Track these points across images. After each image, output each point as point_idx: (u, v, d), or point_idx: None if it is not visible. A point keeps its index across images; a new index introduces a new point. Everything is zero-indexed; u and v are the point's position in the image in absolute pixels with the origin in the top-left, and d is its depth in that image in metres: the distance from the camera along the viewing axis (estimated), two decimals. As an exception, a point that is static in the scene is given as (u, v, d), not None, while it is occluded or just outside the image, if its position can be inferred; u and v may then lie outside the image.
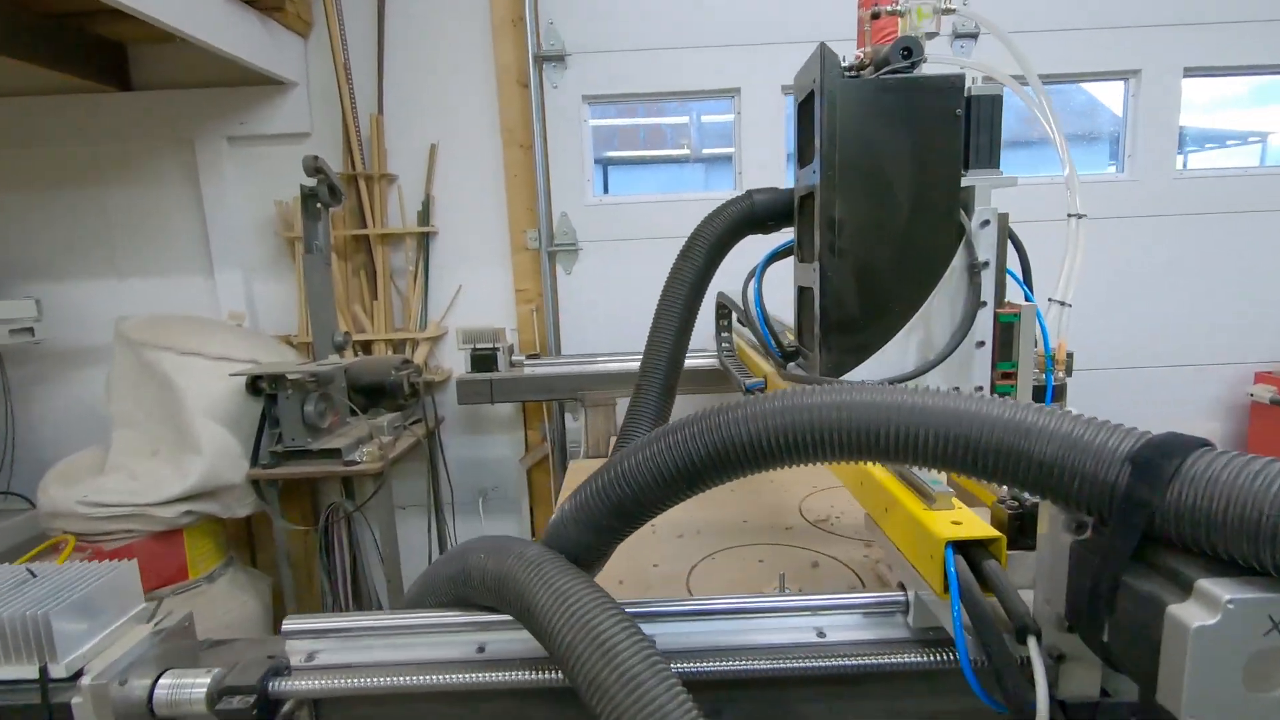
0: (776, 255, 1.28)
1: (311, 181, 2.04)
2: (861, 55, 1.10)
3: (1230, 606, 0.41)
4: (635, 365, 2.24)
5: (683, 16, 2.32)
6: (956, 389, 1.12)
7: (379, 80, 2.37)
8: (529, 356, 2.37)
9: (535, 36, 2.30)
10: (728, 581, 1.28)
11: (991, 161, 1.11)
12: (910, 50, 1.04)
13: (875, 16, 1.10)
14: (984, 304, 1.09)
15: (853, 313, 1.08)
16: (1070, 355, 1.50)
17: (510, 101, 2.39)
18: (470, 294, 2.53)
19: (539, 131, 2.36)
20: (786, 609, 0.76)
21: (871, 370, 1.08)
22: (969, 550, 0.64)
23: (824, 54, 1.03)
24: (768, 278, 1.30)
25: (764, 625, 0.75)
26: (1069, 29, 2.26)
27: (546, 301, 2.48)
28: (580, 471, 2.10)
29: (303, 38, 2.35)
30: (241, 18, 2.02)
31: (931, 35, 1.08)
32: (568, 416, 2.59)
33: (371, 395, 2.21)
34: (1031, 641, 0.56)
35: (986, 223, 1.08)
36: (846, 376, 1.09)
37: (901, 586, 0.76)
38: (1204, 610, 0.42)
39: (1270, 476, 0.42)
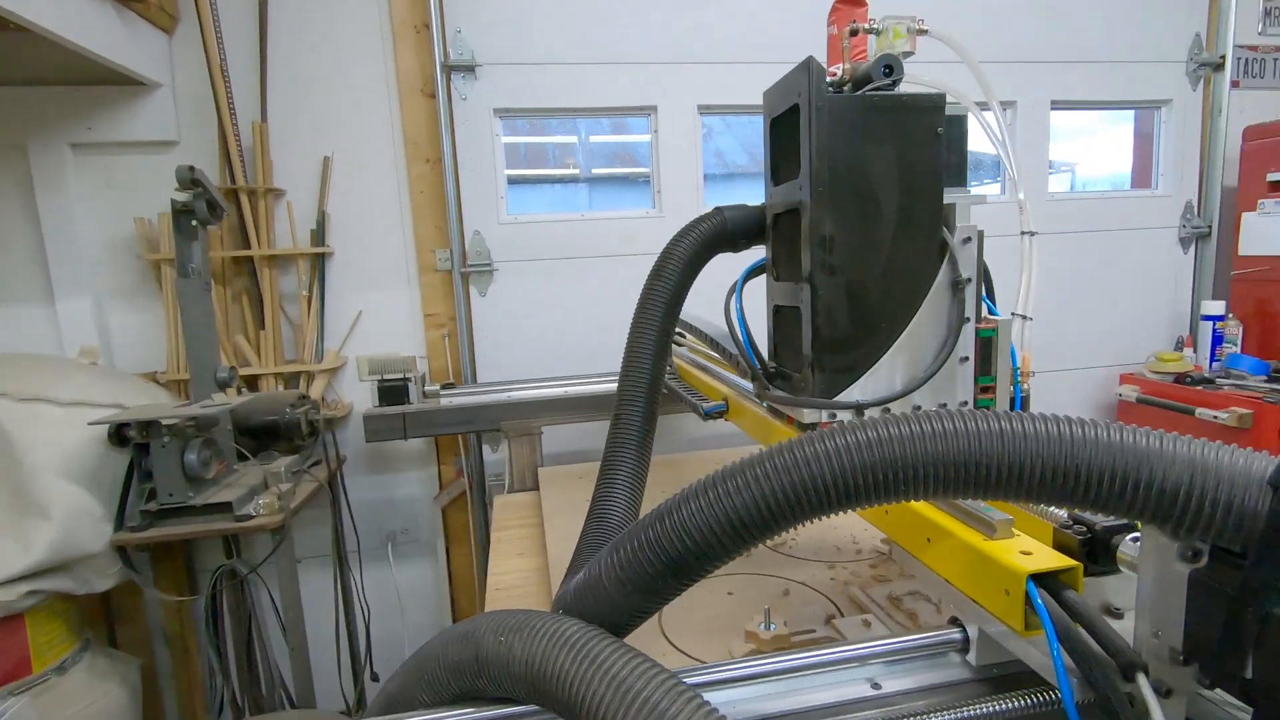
0: (755, 271, 1.24)
1: (186, 195, 1.77)
2: (839, 72, 1.09)
3: None
4: (561, 391, 2.17)
5: (599, 32, 2.26)
6: (944, 405, 1.14)
7: (262, 85, 2.12)
8: (444, 386, 2.19)
9: (442, 44, 2.16)
10: (705, 621, 1.21)
11: (960, 180, 1.13)
12: (892, 68, 1.04)
13: (854, 34, 1.10)
14: (967, 320, 1.10)
15: (845, 331, 1.06)
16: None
17: (415, 112, 2.22)
18: (372, 320, 2.31)
19: (449, 145, 2.21)
20: (833, 662, 0.69)
21: (864, 390, 1.07)
22: (1046, 582, 0.61)
23: (811, 68, 1.00)
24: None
25: (815, 683, 0.68)
26: (955, 61, 2.43)
27: (460, 326, 2.31)
28: (507, 507, 1.95)
29: (167, 33, 2.06)
30: (89, 4, 1.73)
31: (907, 55, 1.09)
32: (485, 449, 2.42)
33: (264, 437, 1.94)
34: (1141, 678, 0.53)
35: (968, 240, 1.10)
36: (840, 397, 1.07)
37: (955, 622, 0.71)
38: (1390, 643, 0.40)
39: None
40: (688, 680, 0.66)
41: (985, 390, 1.15)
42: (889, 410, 1.08)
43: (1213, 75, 2.66)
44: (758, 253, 1.25)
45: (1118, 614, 0.64)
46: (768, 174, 1.22)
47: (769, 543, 1.54)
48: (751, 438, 1.39)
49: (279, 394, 2.07)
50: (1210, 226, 2.71)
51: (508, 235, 2.32)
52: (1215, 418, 2.23)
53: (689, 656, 1.10)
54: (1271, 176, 2.49)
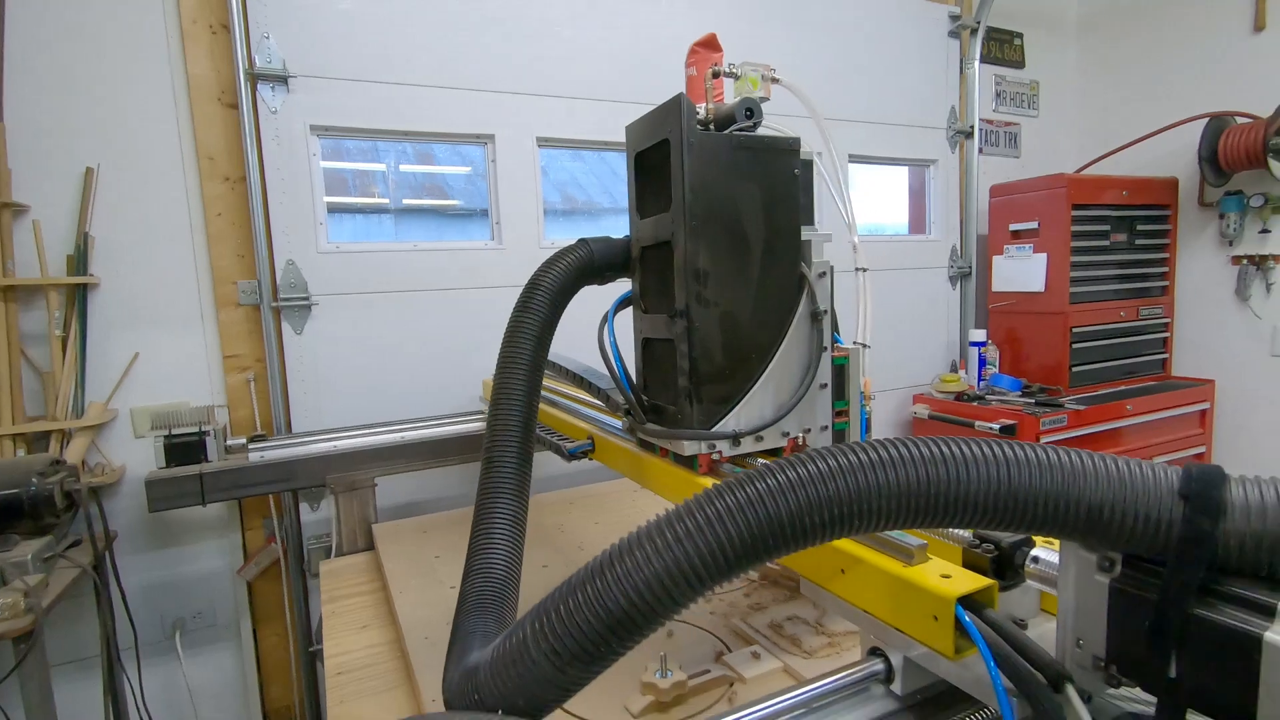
0: (624, 303, 1.21)
1: (-119, 208, 1.36)
2: (702, 112, 1.12)
3: (1321, 623, 0.45)
4: (397, 437, 1.97)
5: (433, 54, 2.14)
6: (808, 430, 1.18)
7: (-5, 76, 1.71)
8: (251, 439, 1.88)
9: (245, 49, 1.90)
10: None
11: (810, 220, 1.21)
12: (752, 111, 1.09)
13: (716, 75, 1.14)
14: (825, 348, 1.17)
15: (720, 362, 1.08)
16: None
17: (211, 124, 1.93)
18: (153, 364, 1.94)
19: (254, 162, 1.94)
20: (781, 712, 0.66)
21: (739, 419, 1.09)
22: (968, 602, 0.63)
23: (684, 105, 1.01)
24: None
25: None
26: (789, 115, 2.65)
27: (271, 368, 2.02)
28: (339, 573, 1.72)
29: None
30: None
31: (764, 100, 1.14)
32: (303, 507, 2.12)
33: (2, 517, 1.52)
34: (1069, 688, 0.56)
35: (823, 274, 1.17)
36: (717, 427, 1.07)
37: (875, 652, 0.72)
38: (1299, 631, 0.45)
39: (1314, 496, 0.47)
40: None
41: (840, 414, 1.23)
42: (761, 438, 1.11)
43: (965, 141, 3.18)
44: (622, 286, 1.23)
45: (1023, 624, 0.68)
46: (633, 207, 1.22)
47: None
48: (615, 472, 1.35)
49: (21, 460, 1.64)
50: (970, 267, 3.21)
51: (328, 265, 2.08)
52: (990, 428, 2.60)
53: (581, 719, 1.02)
54: (1012, 226, 3.01)
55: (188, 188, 1.93)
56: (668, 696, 1.02)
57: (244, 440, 1.86)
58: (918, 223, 3.27)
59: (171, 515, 1.97)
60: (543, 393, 1.88)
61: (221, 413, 2.00)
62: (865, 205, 3.14)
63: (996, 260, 3.09)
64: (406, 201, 2.38)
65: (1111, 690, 0.61)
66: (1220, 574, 0.50)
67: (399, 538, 1.81)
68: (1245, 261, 2.98)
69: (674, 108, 1.03)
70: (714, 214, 1.05)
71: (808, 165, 1.20)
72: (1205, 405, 3.06)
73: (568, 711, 1.03)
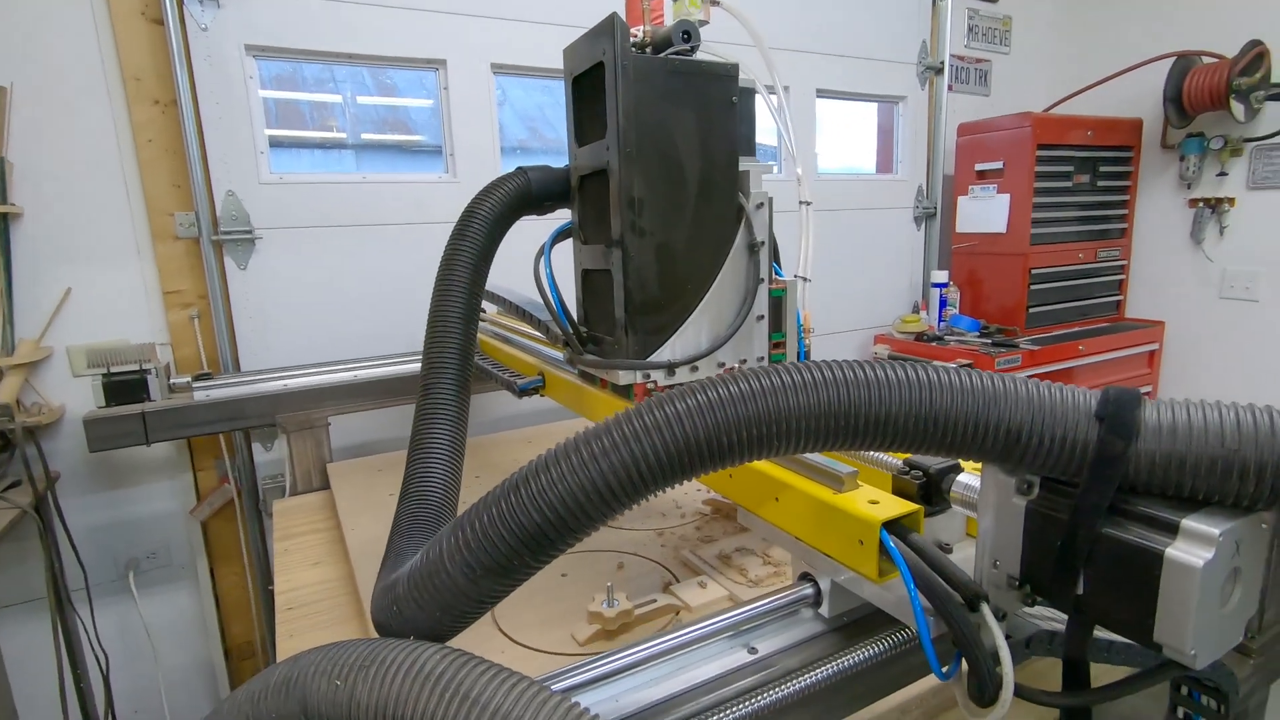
0: (562, 234, 1.18)
1: None
2: (639, 34, 1.07)
3: (1221, 539, 0.45)
4: (349, 376, 1.93)
5: (374, -32, 2.00)
6: (744, 361, 1.18)
7: (-114, -20, 1.56)
8: (196, 377, 1.83)
9: (167, -43, 1.75)
10: (542, 608, 1.14)
11: (750, 151, 1.18)
12: (689, 34, 1.04)
13: (654, -4, 1.08)
14: (761, 280, 1.16)
15: (655, 293, 1.06)
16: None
17: (135, 41, 1.79)
18: (87, 300, 1.85)
19: (185, 85, 1.81)
20: (711, 634, 0.67)
21: (674, 349, 1.09)
22: (894, 527, 0.64)
23: (617, 25, 0.96)
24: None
25: (700, 655, 0.65)
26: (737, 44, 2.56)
27: (215, 305, 1.94)
28: (292, 512, 1.70)
29: None
30: None
31: (703, 24, 1.09)
32: (256, 447, 2.08)
33: (-72, 458, 1.46)
34: (984, 607, 0.58)
35: (761, 205, 1.15)
36: (652, 357, 1.07)
37: (805, 577, 0.73)
38: (1200, 547, 0.46)
39: (1224, 415, 0.47)
40: (564, 683, 0.59)
41: (777, 346, 1.23)
42: (697, 368, 1.11)
43: (935, 78, 3.12)
44: (562, 218, 1.19)
45: (947, 549, 0.69)
46: (571, 134, 1.17)
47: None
48: (571, 411, 1.34)
49: (-52, 399, 1.57)
50: (935, 208, 3.20)
51: (272, 198, 1.99)
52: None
53: (530, 649, 1.03)
54: (978, 166, 2.99)
55: (114, 111, 1.81)
56: (614, 625, 1.04)
57: (189, 379, 1.81)
58: (885, 162, 3.23)
59: (118, 456, 1.92)
60: (496, 330, 1.86)
61: (164, 351, 1.93)
62: (835, 146, 3.09)
63: (961, 201, 3.08)
64: (366, 136, 2.27)
65: (1027, 609, 0.63)
66: (1131, 494, 0.51)
67: (354, 476, 1.79)
68: (1201, 204, 3.01)
69: (607, 29, 0.98)
70: (649, 141, 1.01)
71: (747, 94, 1.16)
72: (1154, 346, 3.15)
73: (514, 640, 1.04)
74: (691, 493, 1.58)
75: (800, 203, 1.47)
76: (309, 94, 2.15)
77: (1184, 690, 0.98)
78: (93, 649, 1.86)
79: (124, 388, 1.72)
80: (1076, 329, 3.07)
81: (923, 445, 0.54)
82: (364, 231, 2.12)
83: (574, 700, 0.45)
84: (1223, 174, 2.95)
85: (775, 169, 2.79)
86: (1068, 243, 3.00)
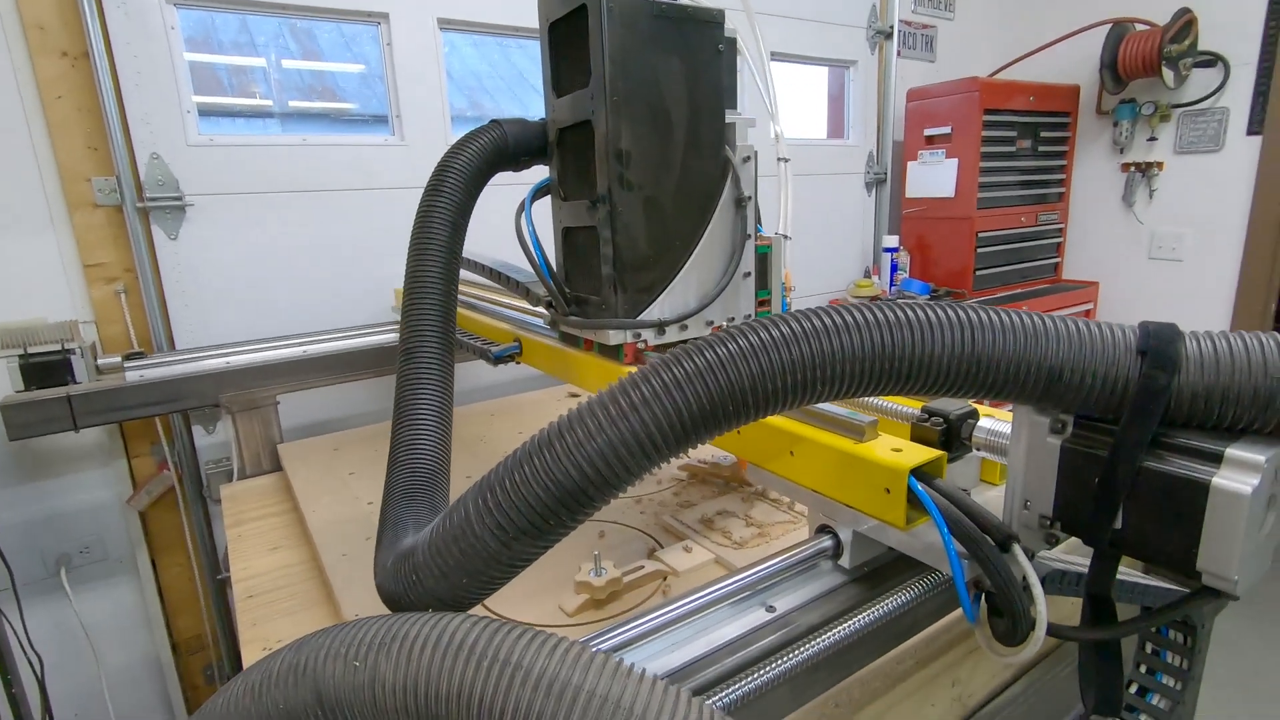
0: (542, 190, 1.12)
1: None
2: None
3: (1266, 465, 0.45)
4: (299, 351, 1.82)
5: (306, -91, 1.85)
6: (732, 319, 1.16)
7: None
8: (127, 356, 1.69)
9: (70, -110, 1.57)
10: (526, 580, 1.09)
11: (734, 103, 1.15)
12: None
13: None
14: (749, 237, 1.14)
15: (644, 250, 1.03)
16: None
17: (35, -16, 1.61)
18: (-6, 275, 1.68)
19: (98, 35, 1.64)
20: (731, 594, 0.65)
21: (663, 308, 1.06)
22: (918, 474, 0.62)
23: (602, -36, 0.90)
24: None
25: (718, 618, 0.63)
26: None
27: (144, 278, 1.79)
28: (242, 497, 1.60)
29: None
30: None
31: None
32: (197, 431, 1.95)
33: None
34: (1016, 548, 0.57)
35: (747, 159, 1.12)
36: (641, 316, 1.04)
37: (824, 530, 0.71)
38: (1246, 474, 0.46)
39: (1265, 344, 0.47)
40: (623, 634, 0.56)
41: (763, 303, 1.21)
42: (686, 327, 1.08)
43: (884, 43, 3.13)
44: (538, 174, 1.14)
45: (965, 493, 0.69)
46: (548, 85, 1.11)
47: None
48: (547, 377, 1.30)
49: None
50: (886, 173, 3.24)
51: (202, 161, 1.83)
52: (901, 331, 2.70)
53: (519, 623, 0.99)
54: (927, 131, 3.04)
55: (14, 63, 1.62)
56: (603, 594, 1.01)
57: (119, 359, 1.66)
58: (836, 127, 3.24)
59: (42, 444, 1.77)
60: (465, 298, 1.78)
61: (88, 329, 1.77)
62: (788, 112, 3.07)
63: (911, 166, 3.13)
64: (293, 104, 2.11)
65: (1042, 553, 0.63)
66: (1169, 427, 0.50)
67: (308, 456, 1.70)
68: (1133, 168, 3.15)
69: (592, -30, 0.91)
70: (635, 89, 0.97)
71: (731, 44, 1.13)
72: (1089, 305, 3.29)
73: (499, 615, 1.00)
74: (668, 459, 1.56)
75: (778, 159, 1.45)
76: (227, 57, 1.99)
77: (1153, 627, 1.03)
78: (24, 652, 1.72)
79: (44, 370, 1.57)
80: (1019, 290, 3.18)
81: (963, 388, 0.53)
82: (308, 198, 1.99)
83: (619, 657, 0.42)
84: (1153, 139, 3.08)
85: (756, 121, 2.76)
86: (1011, 206, 3.09)
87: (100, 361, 1.65)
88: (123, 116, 1.72)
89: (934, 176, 3.02)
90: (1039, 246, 3.29)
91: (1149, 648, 1.03)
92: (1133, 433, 0.50)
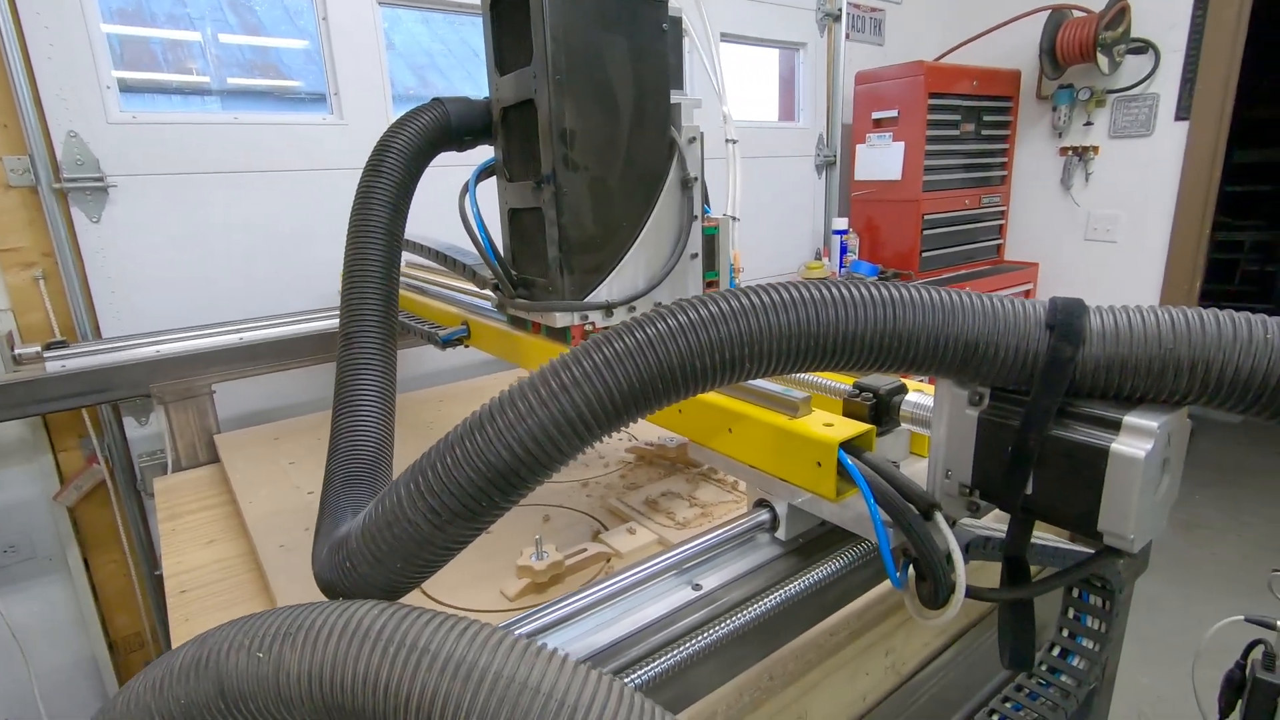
0: (486, 170, 1.10)
1: None
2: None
3: (1159, 431, 0.48)
4: (234, 338, 1.76)
5: (231, -127, 1.76)
6: (680, 300, 1.16)
7: None
8: (47, 346, 1.60)
9: None
10: (468, 567, 1.09)
11: (680, 84, 1.14)
12: None
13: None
14: (696, 217, 1.14)
15: (590, 231, 1.02)
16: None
17: (-70, -55, 1.49)
18: (-103, 260, 1.57)
19: (2, 6, 1.54)
20: (657, 573, 0.65)
21: (611, 289, 1.05)
22: (848, 447, 0.64)
23: (543, -61, 0.88)
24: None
25: (645, 597, 0.63)
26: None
27: (64, 264, 1.70)
28: (176, 490, 1.55)
29: None
30: None
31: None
32: (128, 422, 1.87)
33: None
34: (938, 515, 0.59)
35: (693, 140, 1.12)
36: (589, 298, 1.03)
37: (761, 504, 0.73)
38: (1141, 440, 0.48)
39: (1159, 318, 0.49)
40: (518, 632, 0.56)
41: (710, 284, 1.22)
42: (634, 308, 1.08)
43: (833, 25, 3.15)
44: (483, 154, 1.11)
45: (895, 465, 0.70)
46: (491, 63, 1.09)
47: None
48: (498, 361, 1.28)
49: None
50: (836, 155, 3.28)
51: (125, 139, 1.74)
52: (850, 312, 2.75)
53: (458, 609, 0.99)
54: (875, 115, 3.08)
55: (-91, 32, 1.51)
56: (544, 577, 1.01)
57: (38, 348, 1.58)
58: (787, 110, 3.26)
59: (-45, 440, 1.67)
60: (414, 281, 1.74)
61: (4, 318, 1.68)
62: (740, 94, 3.08)
63: (859, 149, 3.17)
64: (233, 81, 2.02)
65: (966, 520, 0.65)
66: (1076, 397, 0.52)
67: (246, 447, 1.65)
68: (1070, 153, 3.25)
69: (532, -57, 0.89)
70: (579, 67, 0.95)
71: (676, 23, 1.12)
72: (1029, 286, 3.41)
73: (440, 603, 0.99)
74: (613, 441, 1.56)
75: (726, 141, 1.44)
76: (161, 30, 1.89)
77: (1074, 591, 1.08)
78: (-55, 658, 1.64)
79: (-44, 361, 1.48)
80: (963, 271, 3.27)
81: (886, 363, 0.54)
82: (243, 178, 1.91)
83: (528, 638, 0.42)
84: (1089, 123, 3.19)
85: (702, 102, 2.76)
86: (955, 189, 3.17)
87: (17, 351, 1.56)
88: (34, 92, 1.62)
89: (881, 159, 3.07)
90: (982, 228, 3.38)
91: (1071, 613, 1.08)
92: (1041, 402, 0.52)
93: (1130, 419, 0.49)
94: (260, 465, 1.53)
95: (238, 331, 1.77)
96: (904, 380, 0.72)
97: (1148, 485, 0.48)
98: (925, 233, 3.07)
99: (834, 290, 0.52)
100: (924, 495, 0.59)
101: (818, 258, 3.28)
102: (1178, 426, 0.50)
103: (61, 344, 1.63)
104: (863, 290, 0.52)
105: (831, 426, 0.65)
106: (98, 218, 1.74)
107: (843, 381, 0.73)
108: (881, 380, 0.70)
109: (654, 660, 0.54)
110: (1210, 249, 5.50)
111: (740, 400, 0.74)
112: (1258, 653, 1.21)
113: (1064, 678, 1.01)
